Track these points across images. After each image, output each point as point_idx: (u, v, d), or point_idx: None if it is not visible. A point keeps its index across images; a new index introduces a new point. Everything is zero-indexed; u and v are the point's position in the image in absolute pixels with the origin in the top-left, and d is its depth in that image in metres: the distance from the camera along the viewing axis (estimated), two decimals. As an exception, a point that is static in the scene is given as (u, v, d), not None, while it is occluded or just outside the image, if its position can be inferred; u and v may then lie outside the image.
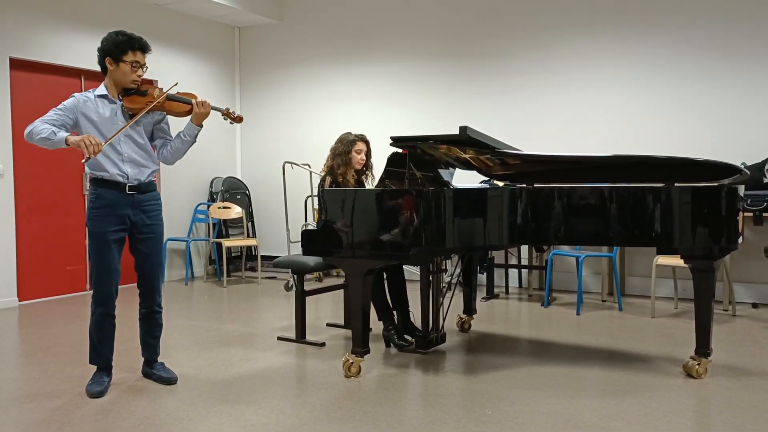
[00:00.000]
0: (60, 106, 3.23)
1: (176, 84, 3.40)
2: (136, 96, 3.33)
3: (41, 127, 3.11)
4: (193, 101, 3.35)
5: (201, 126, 3.40)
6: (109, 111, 3.30)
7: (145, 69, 3.33)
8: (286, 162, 6.60)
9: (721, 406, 3.17)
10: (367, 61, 7.24)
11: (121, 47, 3.23)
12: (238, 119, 3.54)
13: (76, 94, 3.30)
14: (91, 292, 3.35)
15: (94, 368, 3.43)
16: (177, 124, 3.52)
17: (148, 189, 3.38)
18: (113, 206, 3.27)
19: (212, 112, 3.43)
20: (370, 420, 2.97)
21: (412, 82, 6.99)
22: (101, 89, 3.33)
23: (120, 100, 3.32)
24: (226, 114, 3.49)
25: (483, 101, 6.62)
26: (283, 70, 7.76)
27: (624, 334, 4.57)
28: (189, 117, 3.39)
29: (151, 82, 3.41)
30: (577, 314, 5.23)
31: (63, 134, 3.10)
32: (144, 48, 3.28)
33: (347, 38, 7.34)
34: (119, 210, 3.28)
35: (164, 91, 3.35)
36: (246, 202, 7.71)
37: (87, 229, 3.31)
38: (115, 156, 3.28)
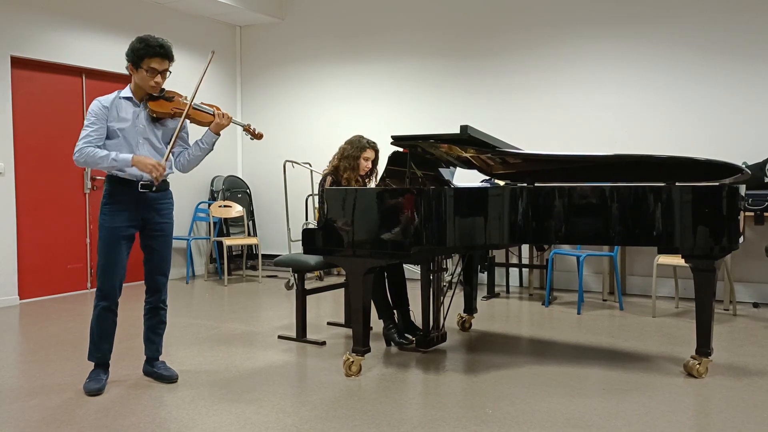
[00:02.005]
0: (91, 119, 3.27)
1: (213, 53, 3.51)
2: (162, 101, 3.40)
3: (95, 152, 3.23)
4: (216, 112, 3.45)
5: (219, 135, 3.49)
6: (132, 113, 3.34)
7: (167, 75, 3.37)
8: (286, 161, 6.61)
9: (722, 405, 3.17)
10: (368, 59, 7.24)
11: (138, 54, 3.28)
12: (259, 136, 3.64)
13: (99, 99, 3.35)
14: (93, 289, 3.37)
15: (93, 366, 3.44)
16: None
17: (161, 188, 3.43)
18: (126, 204, 3.33)
19: (234, 125, 3.59)
20: (371, 419, 2.97)
21: (413, 81, 6.99)
22: (126, 91, 3.39)
23: (143, 103, 3.37)
24: (247, 129, 3.61)
25: (484, 100, 6.62)
26: (284, 69, 7.76)
27: (625, 333, 4.57)
28: (208, 126, 3.48)
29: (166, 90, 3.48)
30: (578, 313, 5.23)
31: (124, 156, 3.25)
32: (162, 55, 3.30)
33: (348, 37, 7.34)
34: (131, 207, 3.34)
35: (189, 100, 3.44)
36: (247, 201, 7.71)
37: (98, 223, 3.36)
38: None
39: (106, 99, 3.34)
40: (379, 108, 7.15)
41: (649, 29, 5.93)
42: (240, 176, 7.92)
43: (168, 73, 3.37)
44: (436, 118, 6.77)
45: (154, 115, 3.37)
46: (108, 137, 3.32)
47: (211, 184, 7.61)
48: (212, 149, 3.54)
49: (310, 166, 6.72)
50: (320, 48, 7.51)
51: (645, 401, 3.18)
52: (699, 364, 3.53)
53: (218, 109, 3.48)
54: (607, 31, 6.10)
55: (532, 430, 2.84)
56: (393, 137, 3.73)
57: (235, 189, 7.62)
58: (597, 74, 6.16)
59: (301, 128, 7.64)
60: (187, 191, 7.31)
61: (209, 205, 7.28)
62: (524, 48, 6.44)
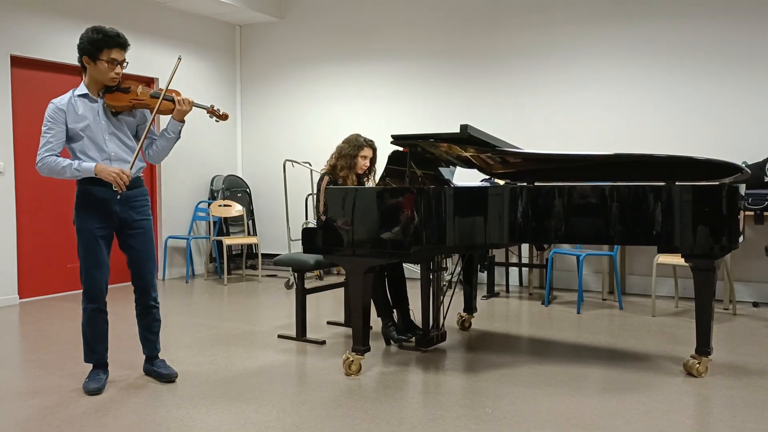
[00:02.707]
0: (48, 125, 3.20)
1: (179, 59, 3.40)
2: (118, 93, 3.30)
3: (57, 162, 3.16)
4: (176, 98, 3.34)
5: (183, 122, 3.40)
6: (90, 110, 3.26)
7: (125, 65, 3.28)
8: (286, 160, 6.61)
9: (722, 404, 3.17)
10: (367, 59, 7.24)
11: (96, 45, 3.17)
12: (224, 117, 3.53)
13: (54, 101, 3.25)
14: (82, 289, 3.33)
15: (92, 366, 3.43)
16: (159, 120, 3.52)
17: (135, 185, 3.33)
18: (100, 203, 3.25)
19: (197, 109, 3.44)
20: (371, 418, 2.97)
21: (412, 81, 6.99)
22: (81, 88, 3.29)
23: (101, 98, 3.29)
24: (211, 112, 3.50)
25: (484, 99, 6.62)
26: (283, 69, 7.75)
27: (624, 332, 4.58)
28: (170, 114, 3.38)
29: (127, 77, 3.36)
30: (578, 313, 5.23)
31: (87, 165, 3.18)
32: (121, 45, 3.22)
33: (348, 36, 7.33)
34: (106, 207, 3.26)
35: (159, 88, 3.35)
36: (247, 200, 7.71)
37: (75, 226, 3.29)
38: (101, 155, 3.25)
39: (61, 100, 3.25)
40: (379, 107, 7.15)
41: (649, 29, 5.93)
42: (240, 175, 7.92)
43: (125, 63, 3.28)
44: (436, 118, 6.77)
45: (113, 110, 3.29)
46: (72, 140, 3.24)
47: (211, 184, 7.60)
48: (179, 137, 3.44)
49: (310, 165, 6.72)
50: (320, 47, 7.51)
51: (645, 400, 3.18)
52: (699, 363, 3.53)
53: (178, 94, 3.36)
54: (607, 31, 6.10)
55: (532, 429, 2.84)
56: (393, 136, 3.73)
57: (234, 188, 7.62)
58: (597, 74, 6.15)
59: (301, 128, 7.64)
60: (186, 190, 7.32)
61: (209, 205, 7.28)
62: (525, 47, 6.43)
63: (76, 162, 3.19)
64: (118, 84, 3.30)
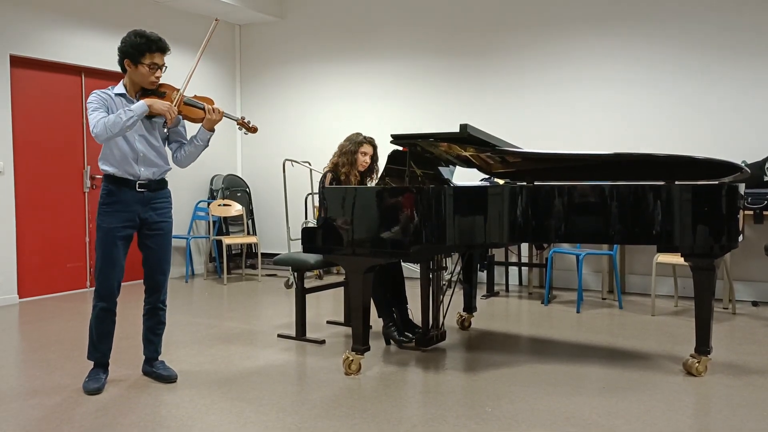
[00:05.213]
0: (94, 105, 3.22)
1: (216, 21, 3.41)
2: (154, 97, 3.34)
3: (108, 118, 3.13)
4: (207, 107, 3.37)
5: (213, 131, 3.42)
6: None
7: (164, 70, 3.33)
8: (286, 159, 6.60)
9: (721, 404, 3.17)
10: (367, 58, 7.24)
11: (139, 49, 3.22)
12: (253, 129, 3.56)
13: (96, 91, 3.30)
14: (93, 287, 3.36)
15: (93, 365, 3.44)
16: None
17: (159, 187, 3.41)
18: (123, 203, 3.29)
19: (227, 119, 3.48)
20: (370, 417, 2.97)
21: (413, 80, 6.99)
22: (120, 88, 3.33)
23: (137, 100, 3.33)
24: (242, 124, 3.54)
25: (484, 99, 6.62)
26: (283, 68, 7.75)
27: (624, 331, 4.58)
28: (200, 122, 3.41)
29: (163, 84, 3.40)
30: (578, 312, 5.24)
31: (138, 105, 3.18)
32: (162, 49, 3.28)
33: (348, 36, 7.33)
34: (129, 207, 3.30)
35: (182, 90, 3.36)
36: (246, 200, 7.71)
37: (96, 223, 3.33)
38: (130, 154, 3.29)
39: (103, 92, 3.30)
40: (379, 107, 7.15)
41: (650, 28, 5.93)
42: (239, 175, 7.92)
43: (165, 67, 3.33)
44: (436, 117, 6.77)
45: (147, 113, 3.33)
46: None
47: (211, 183, 7.60)
48: (207, 145, 3.47)
49: (310, 165, 6.72)
50: (320, 47, 7.51)
51: (644, 399, 3.18)
52: (698, 362, 3.53)
53: (211, 102, 3.39)
54: (608, 30, 6.10)
55: (532, 429, 2.84)
56: (393, 136, 3.73)
57: (234, 188, 7.62)
58: (597, 73, 6.15)
59: (300, 127, 7.64)
60: (186, 190, 7.31)
61: (209, 204, 7.28)
62: (525, 46, 6.43)
63: (122, 111, 3.16)
64: (155, 88, 3.33)
